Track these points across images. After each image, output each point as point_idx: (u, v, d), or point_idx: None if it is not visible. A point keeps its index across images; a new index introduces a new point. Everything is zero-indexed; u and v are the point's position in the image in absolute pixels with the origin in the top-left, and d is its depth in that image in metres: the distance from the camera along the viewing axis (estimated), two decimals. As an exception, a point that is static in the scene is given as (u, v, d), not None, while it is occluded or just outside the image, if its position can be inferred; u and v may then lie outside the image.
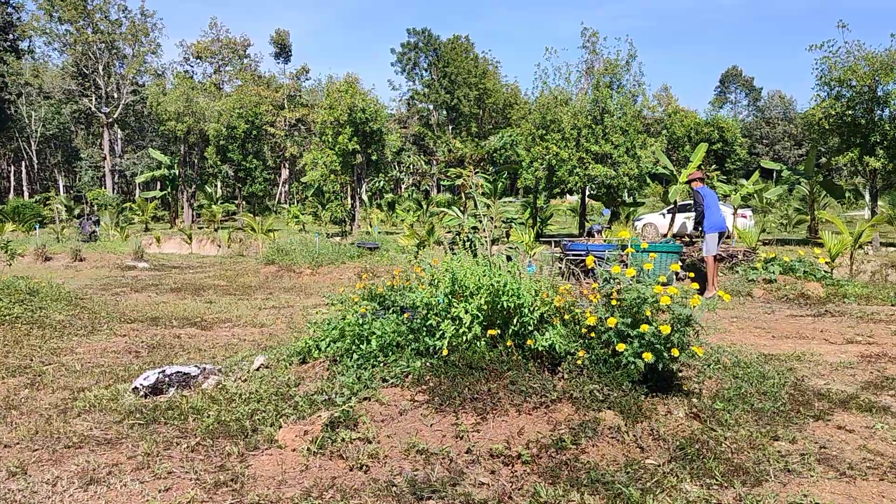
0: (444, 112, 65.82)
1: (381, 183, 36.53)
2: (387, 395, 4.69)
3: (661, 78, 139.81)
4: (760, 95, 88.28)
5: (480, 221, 6.04)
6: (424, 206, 41.66)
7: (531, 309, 4.80)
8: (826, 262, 13.28)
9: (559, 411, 4.39)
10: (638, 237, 22.81)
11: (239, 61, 70.50)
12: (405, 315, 5.25)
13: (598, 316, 4.76)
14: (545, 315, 4.88)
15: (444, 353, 4.76)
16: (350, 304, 5.84)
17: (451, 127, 64.76)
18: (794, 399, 5.15)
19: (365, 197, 49.18)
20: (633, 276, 4.66)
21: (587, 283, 9.41)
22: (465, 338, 4.81)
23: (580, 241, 10.54)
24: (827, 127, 26.16)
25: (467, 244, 6.02)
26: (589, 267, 5.06)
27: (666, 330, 4.43)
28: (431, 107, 68.78)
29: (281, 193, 68.50)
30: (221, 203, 44.11)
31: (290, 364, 5.60)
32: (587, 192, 31.26)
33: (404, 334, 5.10)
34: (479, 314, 4.80)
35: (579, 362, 4.70)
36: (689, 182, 11.93)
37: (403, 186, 61.11)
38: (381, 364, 5.00)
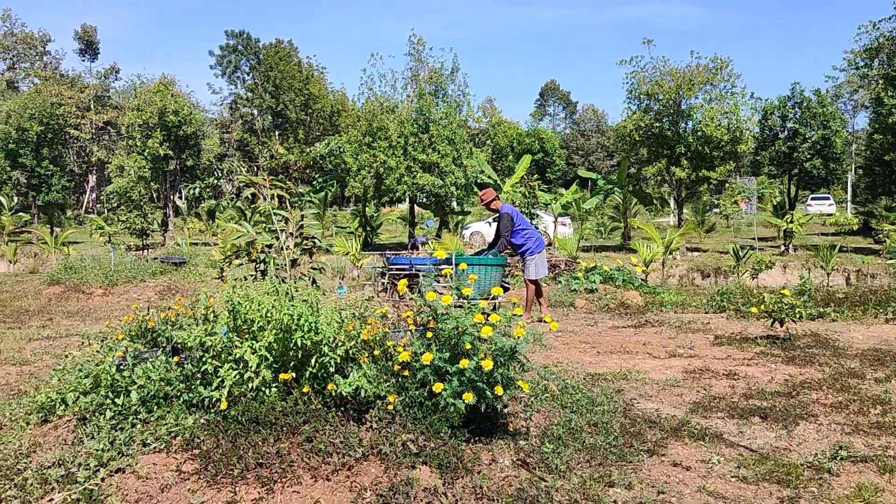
0: (270, 117, 63.34)
1: (198, 190, 34.14)
2: (147, 463, 3.68)
3: (486, 90, 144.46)
4: (576, 109, 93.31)
5: (277, 238, 5.13)
6: (248, 215, 39.55)
7: (333, 346, 3.98)
8: (642, 270, 13.62)
9: (365, 473, 3.60)
10: (465, 246, 22.70)
11: (37, 58, 64.06)
12: (176, 358, 4.24)
13: (413, 350, 4.04)
14: (351, 352, 4.09)
15: (223, 406, 3.82)
16: (114, 342, 4.72)
17: (277, 133, 62.42)
18: (625, 430, 4.73)
19: (182, 205, 45.97)
20: (451, 302, 3.99)
21: (410, 301, 8.71)
22: (250, 385, 3.91)
23: (404, 254, 9.87)
24: (637, 138, 27.64)
25: (259, 266, 5.12)
26: (400, 292, 4.34)
27: (488, 365, 3.80)
28: (256, 112, 66.00)
29: (89, 202, 62.73)
30: (14, 213, 39.23)
31: (27, 424, 4.39)
32: (416, 201, 31.01)
33: (175, 383, 4.10)
34: (269, 355, 3.92)
35: (391, 407, 3.95)
36: (485, 204, 9.60)
37: (227, 194, 58.03)
38: (143, 422, 3.97)
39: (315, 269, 5.18)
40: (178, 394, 4.06)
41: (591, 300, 11.41)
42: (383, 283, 9.51)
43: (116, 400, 4.05)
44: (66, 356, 4.73)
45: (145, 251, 18.61)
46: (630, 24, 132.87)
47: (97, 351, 4.57)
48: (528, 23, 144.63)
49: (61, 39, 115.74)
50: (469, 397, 3.82)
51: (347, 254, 19.56)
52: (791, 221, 27.79)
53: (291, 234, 5.08)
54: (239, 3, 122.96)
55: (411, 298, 5.00)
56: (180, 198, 48.66)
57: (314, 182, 34.13)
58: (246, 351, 3.92)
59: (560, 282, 12.48)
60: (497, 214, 9.74)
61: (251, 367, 3.91)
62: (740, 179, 46.16)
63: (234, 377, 3.89)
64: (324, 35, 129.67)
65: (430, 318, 4.07)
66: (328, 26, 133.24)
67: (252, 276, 4.95)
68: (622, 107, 45.88)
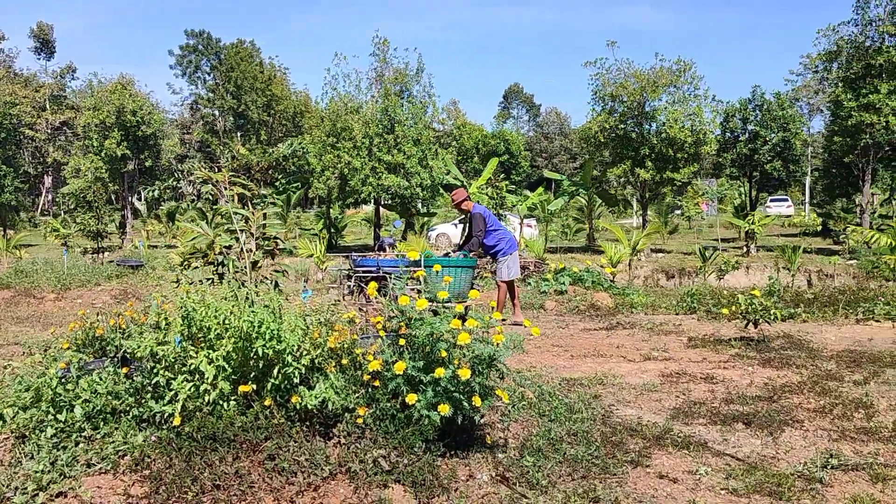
0: (231, 118, 62.35)
1: (157, 192, 33.30)
2: (91, 486, 3.34)
3: (450, 93, 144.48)
4: (539, 112, 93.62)
5: (237, 239, 4.81)
6: (209, 216, 38.73)
7: (297, 355, 3.68)
8: (611, 272, 13.50)
9: (333, 493, 3.31)
10: (432, 248, 22.45)
11: (-10, 56, 62.36)
12: (124, 369, 3.89)
13: (384, 359, 3.75)
14: (317, 361, 3.79)
15: (177, 421, 3.50)
16: (58, 352, 4.35)
17: (239, 134, 61.44)
18: (606, 439, 4.51)
19: (142, 207, 44.84)
20: (426, 306, 3.71)
21: (377, 305, 8.39)
22: (206, 398, 3.59)
23: (371, 255, 9.57)
24: (602, 140, 27.65)
25: (217, 268, 4.79)
26: (370, 296, 4.07)
27: (465, 374, 3.53)
28: (217, 112, 64.94)
29: (45, 204, 61.04)
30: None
31: (-41, 443, 4.00)
32: (381, 202, 30.65)
33: (124, 396, 3.75)
34: (227, 366, 3.60)
35: (360, 421, 3.66)
36: (456, 205, 9.38)
37: (187, 195, 56.75)
38: (88, 440, 3.62)
39: (278, 271, 4.86)
40: (128, 408, 3.72)
41: (561, 302, 11.23)
42: (350, 286, 9.19)
43: (59, 416, 3.69)
44: (6, 367, 4.35)
45: (101, 254, 17.98)
46: (594, 28, 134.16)
47: (39, 361, 4.20)
48: (492, 24, 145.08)
49: (15, 37, 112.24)
50: (445, 409, 3.56)
51: (311, 256, 19.16)
52: (753, 223, 28.05)
53: (252, 234, 4.76)
54: (204, 5, 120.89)
55: (379, 302, 4.73)
56: (139, 199, 47.51)
57: (277, 183, 33.58)
58: (202, 361, 3.60)
59: (529, 283, 12.29)
60: (467, 215, 9.50)
61: (207, 378, 3.59)
62: (701, 181, 46.70)
63: (189, 390, 3.56)
64: (291, 38, 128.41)
65: (403, 324, 3.79)
66: (295, 30, 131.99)
67: (210, 279, 4.62)
68: (587, 108, 46.06)
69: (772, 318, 7.92)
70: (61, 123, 58.97)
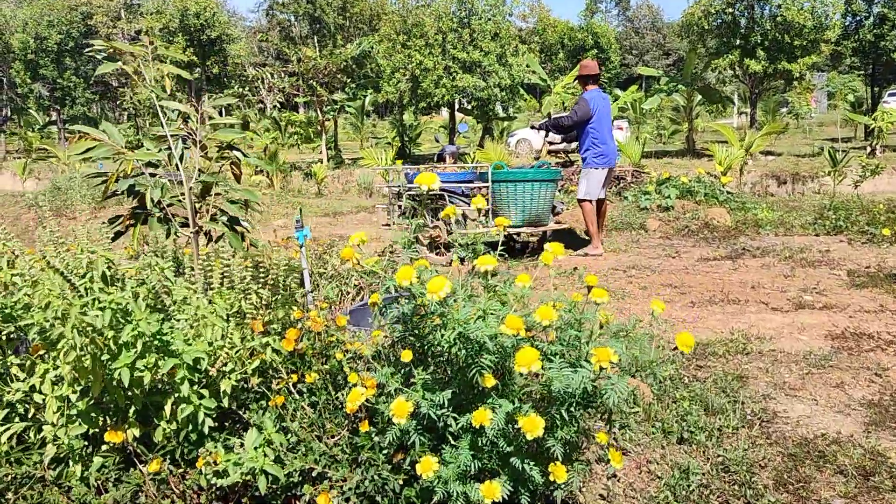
0: (307, 23, 60.25)
1: (224, 101, 31.97)
2: None
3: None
4: (629, 5, 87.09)
5: (169, 151, 3.02)
6: (283, 126, 37.36)
7: (210, 376, 1.93)
8: (725, 182, 11.16)
9: None
10: (511, 156, 20.31)
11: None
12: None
13: (379, 381, 1.94)
14: (252, 382, 2.03)
15: (-28, 510, 1.84)
16: None
17: (316, 38, 59.47)
18: (780, 477, 2.65)
19: (218, 117, 43.86)
20: (446, 292, 1.82)
21: (437, 232, 6.66)
22: (44, 456, 1.90)
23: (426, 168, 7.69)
24: (706, 27, 24.31)
25: (130, 200, 3.05)
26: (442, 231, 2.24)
27: (534, 429, 1.69)
28: (293, 18, 63.02)
29: (128, 116, 61.52)
30: (43, 128, 37.69)
31: None
32: (457, 106, 28.38)
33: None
34: (73, 397, 1.89)
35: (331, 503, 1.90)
36: (579, 76, 7.55)
37: (265, 105, 55.62)
38: None
39: (233, 201, 3.08)
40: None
41: (666, 220, 9.11)
42: (401, 208, 7.40)
43: None
44: None
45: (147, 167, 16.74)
46: None
47: None
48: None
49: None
50: (493, 492, 1.74)
51: (378, 165, 17.46)
52: (882, 119, 24.38)
53: (198, 141, 3.00)
54: None
55: (434, 222, 2.92)
56: (219, 110, 46.46)
57: (347, 89, 31.73)
58: (44, 384, 1.91)
59: (626, 198, 10.15)
60: (546, 117, 7.51)
61: (49, 417, 1.89)
62: (812, 74, 41.90)
63: (7, 442, 1.88)
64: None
65: (413, 317, 1.95)
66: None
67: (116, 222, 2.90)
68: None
69: (977, 247, 5.68)
70: (136, 33, 58.42)
